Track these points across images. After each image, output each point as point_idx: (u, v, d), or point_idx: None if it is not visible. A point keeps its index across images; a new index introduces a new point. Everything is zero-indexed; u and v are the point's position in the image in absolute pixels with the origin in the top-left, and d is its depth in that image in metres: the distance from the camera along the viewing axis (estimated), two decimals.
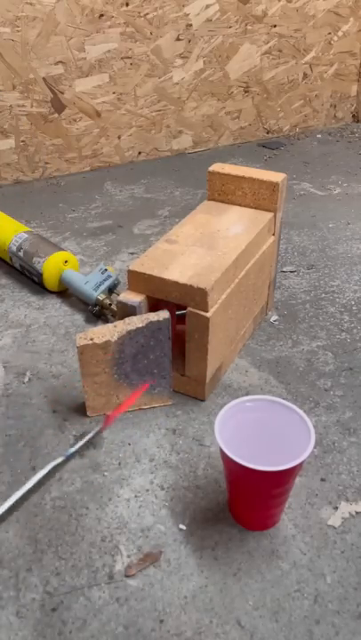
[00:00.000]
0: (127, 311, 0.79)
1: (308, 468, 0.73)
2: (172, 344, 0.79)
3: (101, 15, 1.52)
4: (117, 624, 0.57)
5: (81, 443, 0.74)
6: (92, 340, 0.75)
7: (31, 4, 1.42)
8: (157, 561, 0.63)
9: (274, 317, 1.03)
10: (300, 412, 0.63)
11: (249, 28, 1.73)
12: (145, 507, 0.69)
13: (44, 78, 1.52)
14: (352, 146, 1.89)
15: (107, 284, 1.04)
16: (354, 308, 1.06)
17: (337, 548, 0.64)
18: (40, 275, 1.09)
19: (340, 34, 1.89)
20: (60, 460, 0.72)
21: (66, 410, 0.83)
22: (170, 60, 1.67)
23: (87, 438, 0.75)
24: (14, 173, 1.62)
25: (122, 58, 1.60)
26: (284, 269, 1.18)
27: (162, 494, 0.70)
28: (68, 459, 0.73)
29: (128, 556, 0.63)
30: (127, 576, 0.62)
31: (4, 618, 0.58)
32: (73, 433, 0.79)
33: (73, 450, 0.73)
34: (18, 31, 1.44)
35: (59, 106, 1.58)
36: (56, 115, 1.59)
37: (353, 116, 2.10)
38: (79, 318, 1.05)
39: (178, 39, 1.65)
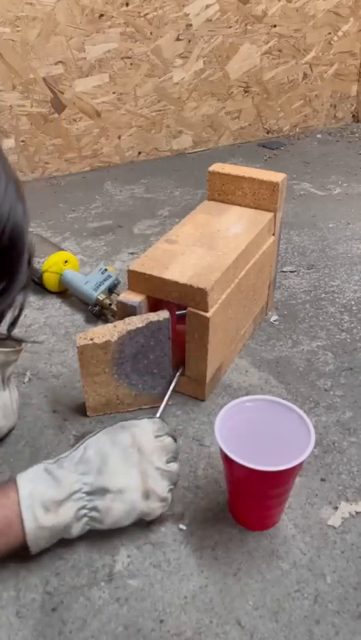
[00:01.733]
0: (127, 311, 0.79)
1: (308, 468, 0.73)
2: (172, 344, 0.79)
3: (101, 15, 1.52)
4: (117, 624, 0.57)
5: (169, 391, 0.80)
6: (92, 340, 0.75)
7: (31, 4, 1.42)
8: (181, 520, 0.67)
9: (274, 317, 1.03)
10: (300, 411, 0.63)
11: (249, 28, 1.74)
12: None
13: (44, 78, 1.52)
14: (352, 146, 1.89)
15: (107, 284, 1.04)
16: (354, 307, 1.06)
17: (337, 548, 0.64)
18: (40, 275, 1.09)
19: (340, 34, 1.89)
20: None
21: (66, 410, 0.83)
22: (170, 60, 1.67)
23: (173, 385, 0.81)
24: None
25: (122, 58, 1.60)
26: (284, 269, 1.18)
27: None
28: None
29: (128, 556, 0.63)
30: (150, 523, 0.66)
31: (4, 618, 0.58)
32: (73, 433, 0.79)
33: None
34: (18, 31, 1.44)
35: (59, 106, 1.58)
36: (56, 115, 1.59)
37: (353, 115, 2.10)
38: (79, 318, 1.05)
39: (178, 39, 1.65)
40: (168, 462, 0.64)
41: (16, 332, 1.00)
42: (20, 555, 0.64)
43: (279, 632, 0.56)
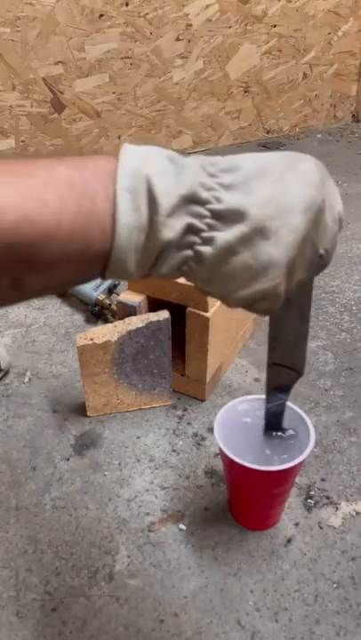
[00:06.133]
0: (127, 311, 0.79)
1: (308, 468, 0.73)
2: (172, 344, 0.79)
3: (101, 15, 1.52)
4: (117, 624, 0.57)
5: None
6: (92, 340, 0.75)
7: (31, 4, 1.42)
8: (181, 520, 0.66)
9: None
10: (300, 411, 0.63)
11: (249, 27, 1.73)
12: (145, 507, 0.69)
13: (43, 78, 1.52)
14: (352, 146, 1.89)
15: (107, 283, 1.04)
16: (354, 307, 1.06)
17: (337, 548, 0.64)
18: None
19: (340, 34, 1.89)
20: None
21: (66, 410, 0.83)
22: (170, 60, 1.67)
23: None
24: None
25: (122, 58, 1.60)
26: None
27: (162, 494, 0.70)
28: None
29: (128, 556, 0.63)
30: (150, 531, 0.65)
31: (4, 618, 0.58)
32: (73, 433, 0.79)
33: None
34: (18, 31, 1.44)
35: (59, 106, 1.58)
36: (56, 115, 1.59)
37: (353, 115, 2.10)
38: (79, 318, 1.05)
39: (178, 39, 1.65)
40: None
41: (16, 332, 1.00)
42: (21, 554, 0.64)
43: (279, 632, 0.56)
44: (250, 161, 0.35)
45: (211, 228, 0.34)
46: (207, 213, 0.33)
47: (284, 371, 0.52)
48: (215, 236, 0.34)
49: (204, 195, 0.33)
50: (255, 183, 0.34)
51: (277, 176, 0.35)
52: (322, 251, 0.38)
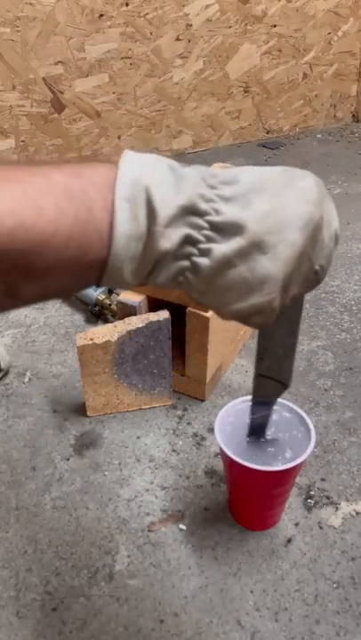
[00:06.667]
0: (127, 311, 0.79)
1: (309, 468, 0.73)
2: (172, 344, 0.79)
3: (101, 15, 1.52)
4: (117, 624, 0.57)
5: None
6: (92, 340, 0.75)
7: (31, 4, 1.42)
8: (181, 520, 0.66)
9: None
10: (301, 411, 0.63)
11: (249, 27, 1.74)
12: (145, 507, 0.69)
13: (43, 78, 1.52)
14: (352, 146, 1.89)
15: None
16: (354, 307, 1.06)
17: (337, 548, 0.64)
18: None
19: (340, 34, 1.89)
20: None
21: (66, 410, 0.83)
22: (170, 60, 1.67)
23: None
24: None
25: (122, 58, 1.60)
26: None
27: (162, 494, 0.70)
28: None
29: (128, 556, 0.63)
30: (150, 531, 0.65)
31: (3, 618, 0.58)
32: (73, 433, 0.79)
33: None
34: (18, 31, 1.44)
35: (59, 106, 1.58)
36: (56, 115, 1.59)
37: (353, 115, 2.10)
38: (79, 318, 1.05)
39: (178, 39, 1.65)
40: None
41: (16, 332, 1.00)
42: (21, 554, 0.64)
43: (279, 632, 0.56)
44: (249, 174, 0.35)
45: (208, 239, 0.34)
46: (205, 225, 0.33)
47: (270, 382, 0.52)
48: (213, 248, 0.34)
49: (203, 206, 0.33)
50: (254, 197, 0.34)
51: (276, 191, 0.35)
52: (317, 267, 0.38)
